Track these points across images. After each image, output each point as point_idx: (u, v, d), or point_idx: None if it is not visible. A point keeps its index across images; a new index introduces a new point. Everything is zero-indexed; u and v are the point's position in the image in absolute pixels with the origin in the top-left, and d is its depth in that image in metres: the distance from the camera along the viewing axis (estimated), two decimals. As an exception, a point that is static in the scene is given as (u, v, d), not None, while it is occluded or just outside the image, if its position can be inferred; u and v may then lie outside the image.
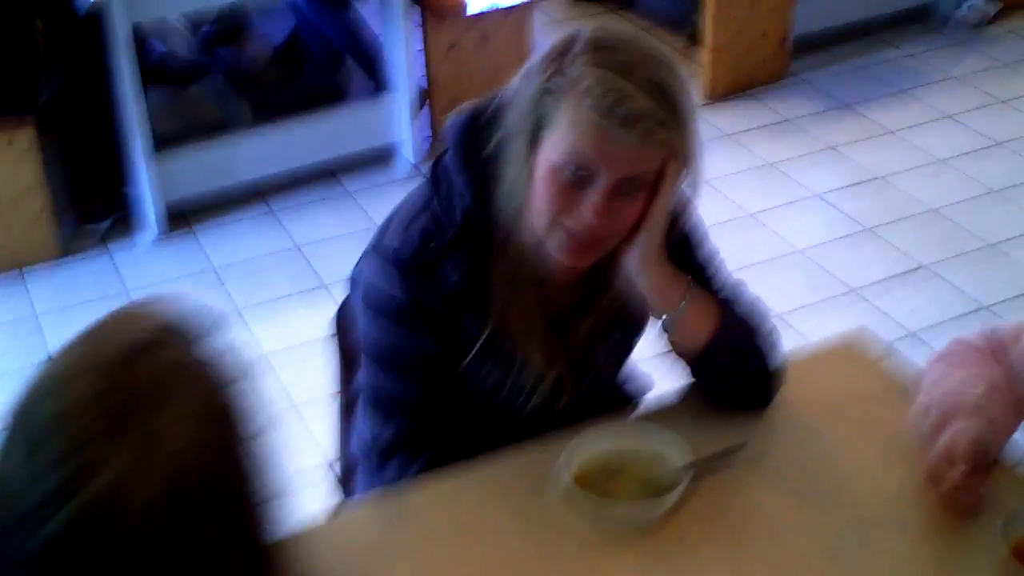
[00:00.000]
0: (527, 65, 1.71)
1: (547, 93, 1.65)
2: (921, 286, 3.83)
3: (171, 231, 4.18)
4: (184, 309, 1.09)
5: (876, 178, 4.42)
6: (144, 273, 4.01)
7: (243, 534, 1.04)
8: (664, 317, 1.78)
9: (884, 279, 3.87)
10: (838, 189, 4.36)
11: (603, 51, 1.64)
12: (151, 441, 0.97)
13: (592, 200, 1.65)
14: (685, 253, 1.84)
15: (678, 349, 1.83)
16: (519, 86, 1.71)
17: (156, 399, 0.99)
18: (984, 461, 1.67)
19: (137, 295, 3.87)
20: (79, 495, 0.95)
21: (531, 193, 1.69)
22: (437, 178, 1.80)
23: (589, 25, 1.72)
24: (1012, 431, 1.78)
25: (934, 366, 1.85)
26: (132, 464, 0.96)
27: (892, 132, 4.71)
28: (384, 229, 1.83)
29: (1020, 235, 4.07)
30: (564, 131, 1.63)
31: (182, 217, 4.24)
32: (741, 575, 1.62)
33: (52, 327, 3.77)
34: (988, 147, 4.60)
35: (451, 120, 1.81)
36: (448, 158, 1.80)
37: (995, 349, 1.83)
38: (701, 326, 1.80)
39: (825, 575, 1.61)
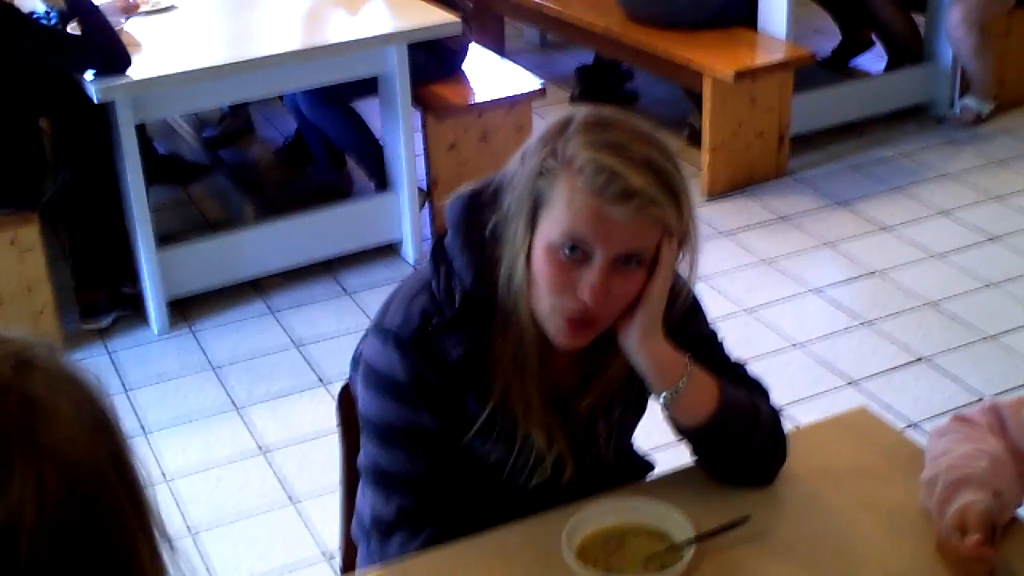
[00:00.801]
0: (524, 146, 1.74)
1: (543, 173, 1.68)
2: (922, 378, 3.84)
3: (172, 328, 4.20)
4: (19, 339, 1.10)
5: (874, 272, 4.44)
6: (145, 369, 4.02)
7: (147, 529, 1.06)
8: (664, 395, 1.79)
9: (884, 371, 3.88)
10: (835, 284, 4.39)
11: (596, 131, 1.67)
12: (35, 470, 0.99)
13: (589, 279, 1.67)
14: (687, 330, 1.85)
15: (679, 427, 1.83)
16: (516, 167, 1.74)
17: (29, 431, 1.01)
18: (993, 533, 1.66)
19: (139, 393, 3.88)
20: None
21: (530, 273, 1.71)
22: (437, 259, 1.82)
23: (584, 107, 1.75)
24: (1018, 504, 1.78)
25: (936, 441, 1.85)
26: (21, 494, 0.97)
27: (888, 228, 4.75)
28: (385, 309, 1.85)
29: (1019, 326, 4.08)
30: (560, 210, 1.66)
31: (183, 314, 4.27)
32: (746, 650, 1.61)
33: (52, 424, 3.75)
34: (983, 241, 4.63)
35: (451, 201, 1.83)
36: (448, 239, 1.82)
37: (994, 424, 1.83)
38: (701, 403, 1.80)
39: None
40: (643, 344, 1.75)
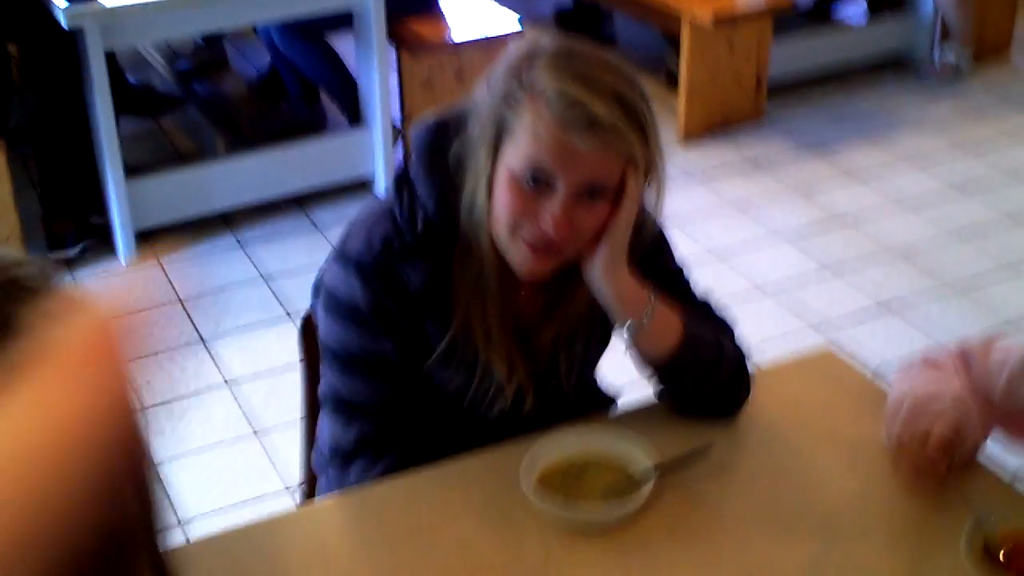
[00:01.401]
0: (489, 74, 1.72)
1: (508, 102, 1.65)
2: (890, 323, 3.84)
3: (140, 260, 4.16)
4: (16, 259, 1.05)
5: (846, 220, 4.44)
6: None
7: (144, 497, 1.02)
8: (628, 326, 1.78)
9: (853, 315, 3.88)
10: (809, 228, 4.38)
11: (563, 60, 1.65)
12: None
13: (551, 208, 1.65)
14: (653, 264, 1.84)
15: (643, 359, 1.82)
16: (482, 95, 1.71)
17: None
18: (957, 447, 1.67)
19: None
20: None
21: (493, 201, 1.69)
22: (400, 185, 1.79)
23: (550, 35, 1.72)
24: (979, 446, 1.78)
25: (901, 380, 1.85)
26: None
27: (862, 176, 4.74)
28: (346, 236, 1.82)
29: (988, 272, 4.09)
30: (523, 139, 1.64)
31: (151, 246, 4.23)
32: (703, 580, 1.60)
33: (17, 353, 3.73)
34: (957, 189, 4.63)
35: (416, 128, 1.81)
36: (412, 166, 1.79)
37: (959, 367, 1.83)
38: (665, 337, 1.79)
39: (787, 582, 1.60)
40: (606, 276, 1.74)
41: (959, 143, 4.99)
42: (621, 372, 2.05)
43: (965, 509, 1.63)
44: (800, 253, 4.24)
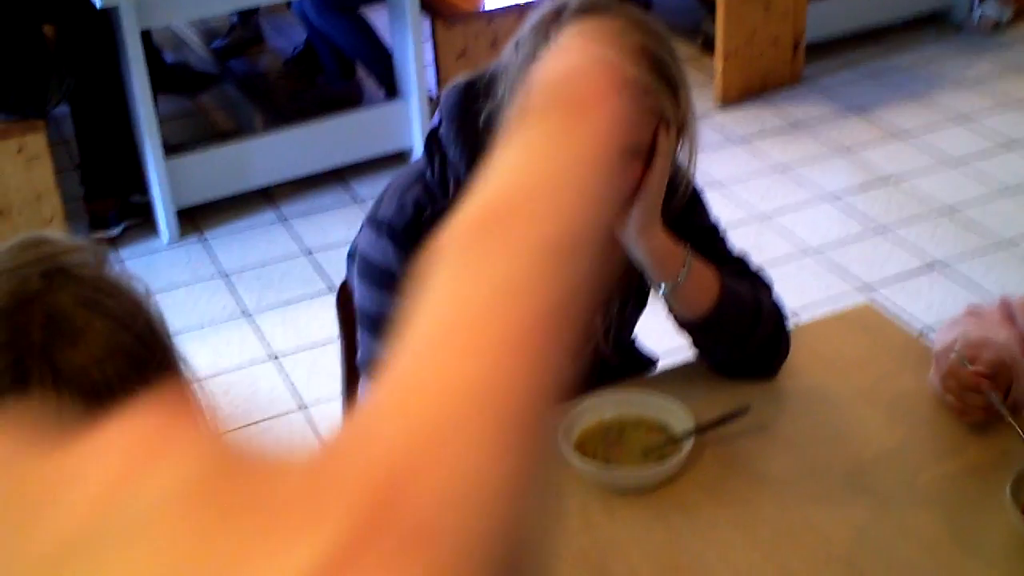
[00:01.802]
0: (518, 34, 1.70)
1: (536, 62, 1.64)
2: (936, 283, 3.80)
3: (182, 237, 4.18)
4: (58, 242, 1.04)
5: (888, 179, 4.39)
6: (155, 279, 4.00)
7: None
8: (664, 286, 1.76)
9: (898, 276, 3.84)
10: (850, 190, 4.34)
11: (591, 17, 1.63)
12: (54, 392, 0.94)
13: None
14: (688, 221, 1.83)
15: (679, 319, 1.81)
16: (511, 55, 1.70)
17: (48, 350, 0.96)
18: (1004, 381, 1.65)
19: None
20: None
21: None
22: (431, 149, 1.79)
23: None
24: None
25: (947, 331, 1.83)
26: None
27: (904, 135, 4.68)
28: (379, 201, 1.83)
29: (1035, 232, 4.04)
30: None
31: (193, 223, 4.25)
32: (745, 538, 1.59)
33: (63, 333, 3.76)
34: (1002, 146, 4.57)
35: (446, 91, 1.81)
36: (442, 129, 1.79)
37: (1006, 316, 1.81)
38: (701, 295, 1.78)
39: (831, 538, 1.59)
40: (641, 235, 1.72)
41: (1001, 99, 4.92)
42: (662, 338, 2.04)
43: (1007, 467, 1.62)
44: (843, 215, 4.20)
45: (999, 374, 1.65)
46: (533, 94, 0.51)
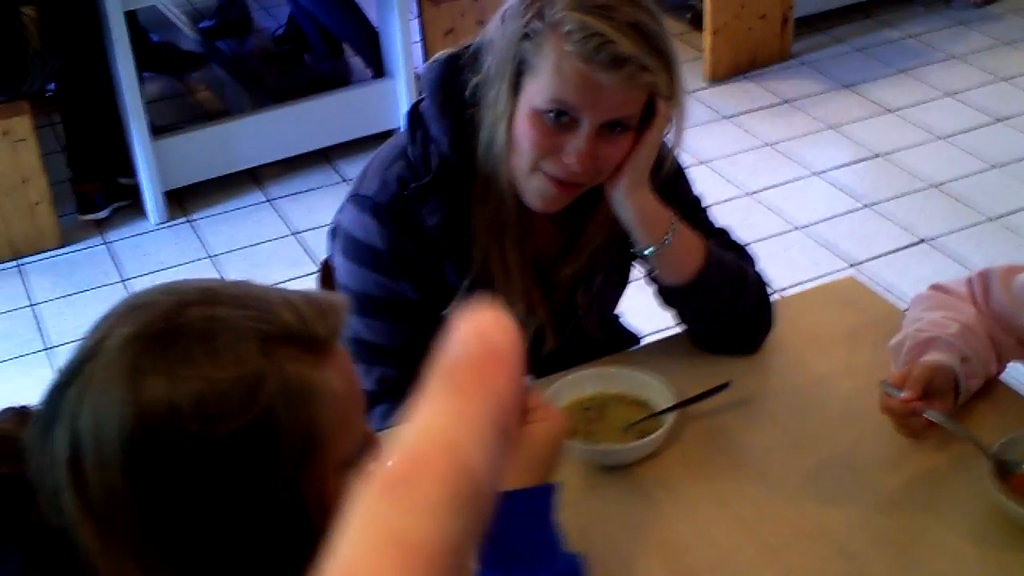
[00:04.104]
0: (504, 8, 1.69)
1: (527, 37, 1.63)
2: (923, 260, 3.80)
3: (170, 218, 4.17)
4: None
5: (877, 155, 4.38)
6: (143, 261, 4.00)
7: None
8: (649, 250, 1.75)
9: (886, 253, 3.84)
10: (839, 166, 4.33)
11: None
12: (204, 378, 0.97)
13: (576, 145, 1.63)
14: (671, 196, 1.82)
15: (664, 287, 1.80)
16: (497, 30, 1.69)
17: (302, 429, 0.99)
18: (947, 392, 1.64)
19: (136, 283, 3.86)
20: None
21: (511, 137, 1.67)
22: (413, 124, 1.78)
23: None
24: (991, 372, 1.75)
25: (914, 309, 1.82)
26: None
27: (893, 110, 4.68)
28: (361, 177, 1.82)
29: (1022, 209, 4.03)
30: (546, 76, 1.61)
31: (180, 205, 4.24)
32: (726, 513, 1.59)
33: (51, 316, 3.76)
34: (990, 124, 4.56)
35: (428, 66, 1.80)
36: (424, 104, 1.78)
37: (978, 290, 1.80)
38: (687, 259, 1.77)
39: (813, 514, 1.58)
40: (629, 196, 1.71)
41: (992, 74, 4.91)
42: (643, 317, 2.03)
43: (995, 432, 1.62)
44: (833, 191, 4.19)
45: (935, 383, 1.63)
46: (441, 364, 0.62)
